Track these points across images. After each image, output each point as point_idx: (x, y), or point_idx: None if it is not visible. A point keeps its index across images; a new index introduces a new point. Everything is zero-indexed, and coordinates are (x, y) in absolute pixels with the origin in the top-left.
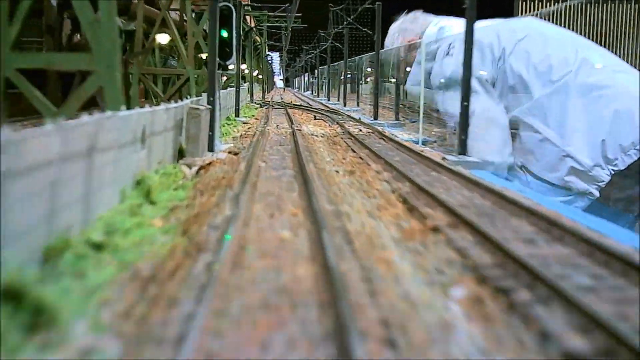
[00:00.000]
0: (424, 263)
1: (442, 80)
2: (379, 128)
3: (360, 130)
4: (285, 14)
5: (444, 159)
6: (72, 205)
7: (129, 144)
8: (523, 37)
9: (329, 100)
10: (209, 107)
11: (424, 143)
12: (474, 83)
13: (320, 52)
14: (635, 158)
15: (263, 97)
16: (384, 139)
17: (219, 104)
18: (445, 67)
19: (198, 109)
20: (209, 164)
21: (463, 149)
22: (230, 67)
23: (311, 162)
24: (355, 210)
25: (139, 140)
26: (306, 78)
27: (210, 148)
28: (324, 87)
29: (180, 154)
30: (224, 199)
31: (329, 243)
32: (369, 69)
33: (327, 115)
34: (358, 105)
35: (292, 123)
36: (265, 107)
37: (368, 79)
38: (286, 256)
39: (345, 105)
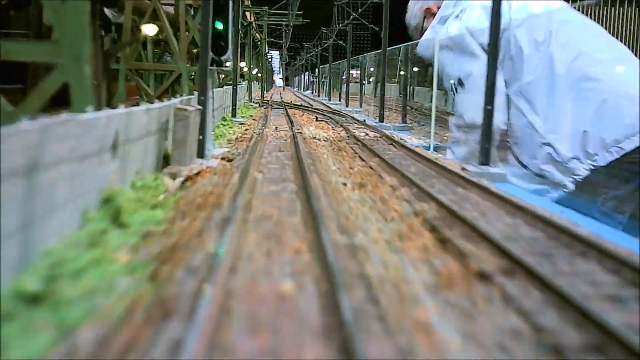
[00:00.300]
0: (477, 333)
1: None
2: (387, 132)
3: (367, 134)
4: (286, 12)
5: (463, 169)
6: (1, 242)
7: (93, 154)
8: (536, 14)
9: (330, 100)
10: (200, 107)
11: (436, 149)
12: (474, 47)
13: (322, 49)
14: (617, 156)
15: (262, 96)
16: (393, 145)
17: (213, 103)
18: (449, 29)
19: (186, 110)
20: (198, 173)
21: (485, 159)
22: (227, 63)
23: (315, 174)
24: (373, 241)
25: (108, 149)
26: (306, 77)
27: (201, 154)
28: (324, 86)
29: (165, 160)
30: (210, 225)
31: (347, 304)
32: (371, 69)
33: (330, 117)
34: (361, 106)
35: (292, 125)
36: (264, 106)
37: (371, 79)
38: (288, 330)
39: (347, 106)
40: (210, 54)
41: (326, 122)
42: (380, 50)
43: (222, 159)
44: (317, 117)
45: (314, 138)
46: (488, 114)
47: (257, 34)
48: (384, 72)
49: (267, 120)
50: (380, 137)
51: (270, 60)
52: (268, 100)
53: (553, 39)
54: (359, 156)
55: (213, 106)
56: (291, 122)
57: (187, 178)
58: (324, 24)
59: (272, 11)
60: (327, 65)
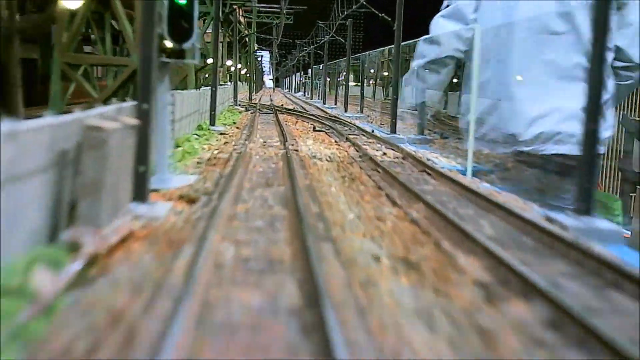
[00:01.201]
0: None
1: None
2: (409, 149)
3: (384, 153)
4: (277, 7)
5: (548, 219)
6: None
7: None
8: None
9: (324, 103)
10: (135, 122)
11: (475, 173)
12: None
13: (316, 47)
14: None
15: (250, 98)
16: (427, 172)
17: (166, 114)
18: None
19: (101, 130)
20: (121, 242)
21: (585, 203)
22: (193, 55)
23: (328, 241)
24: None
25: None
26: (297, 78)
27: (141, 195)
28: (318, 88)
29: (71, 218)
30: None
31: None
32: (371, 70)
33: (329, 125)
34: (362, 111)
35: (284, 137)
36: (251, 110)
37: (371, 81)
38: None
39: (346, 111)
40: (164, 38)
41: (326, 132)
42: (387, 47)
43: (180, 198)
44: (314, 126)
45: (314, 157)
46: (590, 135)
47: (245, 30)
48: (397, 71)
49: (253, 130)
50: (403, 158)
51: (260, 60)
52: (256, 104)
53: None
54: (386, 194)
55: (173, 116)
56: (283, 132)
57: (91, 259)
58: (317, 18)
59: (261, 6)
60: (321, 65)
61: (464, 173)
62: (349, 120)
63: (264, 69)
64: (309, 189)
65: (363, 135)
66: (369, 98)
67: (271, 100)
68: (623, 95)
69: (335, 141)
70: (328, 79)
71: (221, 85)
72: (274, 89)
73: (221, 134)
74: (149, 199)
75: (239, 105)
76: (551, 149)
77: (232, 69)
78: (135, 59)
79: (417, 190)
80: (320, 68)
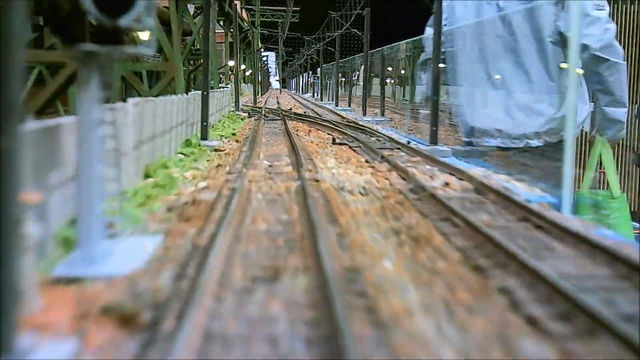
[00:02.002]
0: None
1: None
2: (474, 172)
3: (447, 183)
4: (283, 7)
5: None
6: None
7: None
8: None
9: (337, 105)
10: None
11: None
12: None
13: (326, 43)
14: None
15: (255, 101)
16: (531, 220)
17: (95, 144)
18: None
19: None
20: None
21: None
22: (142, 40)
23: None
24: None
25: None
26: (305, 78)
27: None
28: (328, 88)
29: None
30: None
31: None
32: (389, 68)
33: (351, 136)
34: (382, 114)
35: (297, 157)
36: (256, 116)
37: (388, 80)
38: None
39: (365, 114)
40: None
41: (350, 145)
42: (410, 40)
43: (103, 314)
44: (333, 138)
45: (343, 190)
46: None
47: (248, 26)
48: (436, 64)
49: (255, 145)
50: (477, 192)
51: (266, 61)
52: (261, 108)
53: None
54: (502, 289)
55: (141, 135)
56: (294, 148)
57: None
58: (325, 13)
59: (266, 8)
60: (332, 63)
61: (557, 207)
62: (370, 126)
63: (269, 70)
64: (347, 276)
65: (398, 148)
66: (387, 98)
67: (278, 103)
68: None
69: (367, 161)
70: (343, 78)
71: (221, 88)
72: (280, 90)
73: (215, 150)
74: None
75: (242, 110)
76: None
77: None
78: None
79: (562, 287)
80: (331, 66)
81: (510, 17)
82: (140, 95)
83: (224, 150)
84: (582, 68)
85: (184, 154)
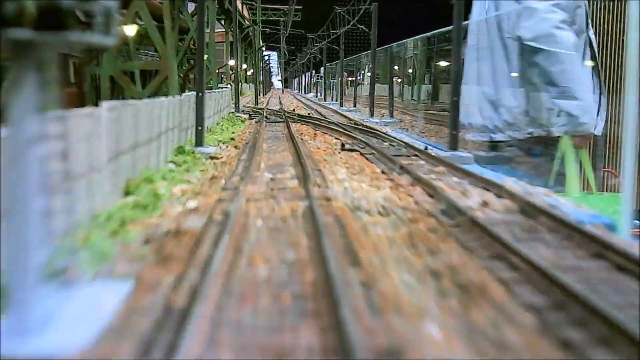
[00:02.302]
0: None
1: None
2: (512, 187)
3: (485, 202)
4: (285, 6)
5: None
6: None
7: None
8: None
9: (342, 106)
10: None
11: None
12: None
13: (330, 41)
14: None
15: (256, 102)
16: (628, 273)
17: (30, 169)
18: None
19: None
20: None
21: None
22: (103, 31)
23: None
24: None
25: None
26: (308, 78)
27: None
28: (332, 88)
29: None
30: None
31: None
32: (395, 67)
33: (362, 140)
34: (392, 115)
35: (302, 167)
36: (257, 118)
37: (395, 79)
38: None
39: (372, 116)
40: None
41: (362, 152)
42: (419, 36)
43: None
44: (342, 143)
45: (359, 210)
46: None
47: (248, 23)
48: (457, 63)
49: (255, 152)
50: (523, 213)
51: (267, 61)
52: (263, 109)
53: None
54: None
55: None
56: (300, 156)
57: None
58: (328, 11)
59: (268, 6)
60: (336, 62)
61: (612, 228)
62: (379, 129)
63: (271, 70)
64: None
65: (416, 155)
66: (394, 98)
67: (280, 103)
68: None
69: (383, 172)
70: (350, 78)
71: (220, 88)
72: (282, 90)
73: (211, 158)
74: None
75: (242, 111)
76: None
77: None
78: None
79: None
80: (335, 65)
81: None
82: (132, 97)
83: (220, 158)
84: (519, 59)
85: (175, 163)
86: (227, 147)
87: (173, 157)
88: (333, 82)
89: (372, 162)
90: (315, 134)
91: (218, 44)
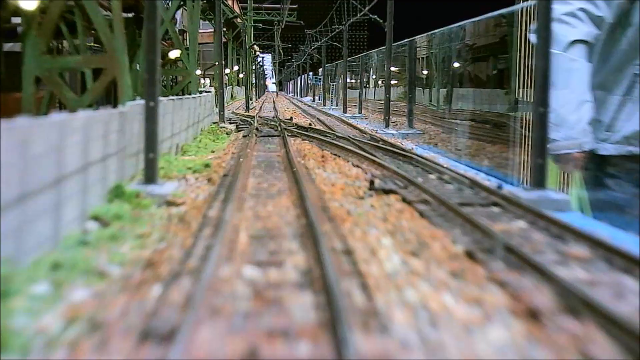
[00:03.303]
0: None
1: None
2: None
3: None
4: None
5: None
6: None
7: None
8: None
9: (345, 112)
10: None
11: None
12: None
13: (331, 38)
14: None
15: (247, 107)
16: None
17: None
18: None
19: None
20: None
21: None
22: None
23: None
24: None
25: None
26: (304, 80)
27: None
28: (332, 91)
29: None
30: None
31: None
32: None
33: (393, 170)
34: (411, 125)
35: (315, 239)
36: (245, 130)
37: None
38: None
39: (387, 126)
40: None
41: (407, 199)
42: (441, 30)
43: None
44: (371, 180)
45: None
46: None
47: (239, 19)
48: (545, 57)
49: (233, 198)
50: None
51: (261, 63)
52: (253, 117)
53: None
54: None
55: None
56: (305, 206)
57: None
58: (319, 21)
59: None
60: (337, 62)
61: None
62: (403, 145)
63: (265, 73)
64: None
65: (495, 204)
66: (393, 101)
67: (275, 109)
68: None
69: (470, 254)
70: (365, 79)
71: (202, 92)
72: (277, 94)
73: (167, 203)
74: None
75: (229, 120)
76: None
77: (228, 70)
78: None
79: None
80: (335, 66)
81: None
82: (67, 105)
83: (180, 204)
84: None
85: (100, 221)
86: (197, 179)
87: (101, 208)
88: (333, 85)
89: (433, 223)
90: (323, 156)
91: (205, 44)
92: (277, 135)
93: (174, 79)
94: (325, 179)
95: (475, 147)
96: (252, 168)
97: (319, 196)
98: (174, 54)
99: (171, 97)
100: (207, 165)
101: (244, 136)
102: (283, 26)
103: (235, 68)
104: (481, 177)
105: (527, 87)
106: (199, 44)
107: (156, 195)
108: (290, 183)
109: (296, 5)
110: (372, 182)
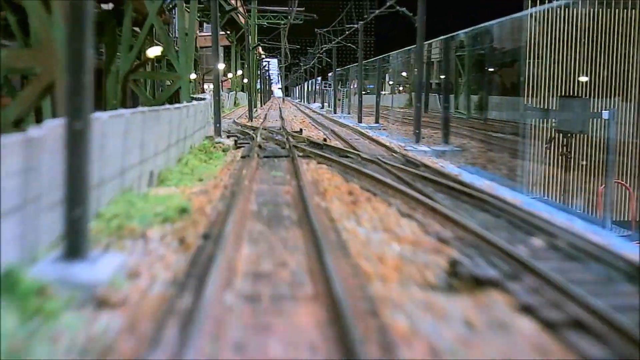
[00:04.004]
0: None
1: None
2: None
3: None
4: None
5: None
6: None
7: None
8: None
9: (360, 122)
10: None
11: None
12: None
13: (342, 39)
14: None
15: (250, 116)
16: None
17: None
18: None
19: None
20: None
21: None
22: None
23: None
24: None
25: None
26: (312, 85)
27: None
28: (344, 98)
29: None
30: None
31: None
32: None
33: (463, 226)
34: (447, 140)
35: None
36: (245, 149)
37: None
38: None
39: (419, 141)
40: None
41: (521, 300)
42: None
43: None
44: (452, 261)
45: None
46: None
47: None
48: None
49: (203, 294)
50: None
51: (267, 67)
52: (256, 130)
53: None
54: None
55: None
56: (343, 325)
57: None
58: (328, 21)
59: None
60: (350, 66)
61: None
62: (448, 171)
63: (271, 78)
64: None
65: None
66: (398, 108)
67: (281, 117)
68: None
69: None
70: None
71: (197, 100)
72: (283, 99)
73: (100, 303)
74: None
75: (227, 133)
76: None
77: (231, 75)
78: None
79: None
80: (347, 71)
81: None
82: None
83: (117, 305)
84: None
85: None
86: (163, 240)
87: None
88: (344, 91)
89: None
90: (351, 192)
91: (204, 48)
92: (285, 156)
93: (161, 85)
94: (365, 246)
95: (548, 174)
96: (248, 218)
97: (362, 291)
98: (153, 51)
99: (140, 109)
100: (184, 210)
101: (243, 157)
102: (289, 26)
103: (239, 72)
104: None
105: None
106: (202, 47)
107: (79, 286)
108: (308, 259)
109: (303, 8)
110: (454, 264)
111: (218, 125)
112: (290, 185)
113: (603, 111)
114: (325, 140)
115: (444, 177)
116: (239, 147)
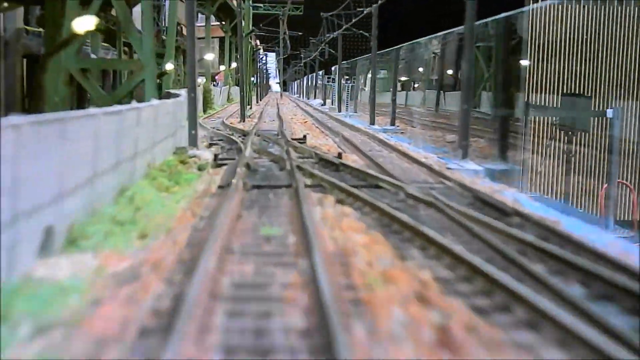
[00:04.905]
0: None
1: None
2: None
3: None
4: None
5: None
6: None
7: None
8: None
9: (372, 123)
10: None
11: None
12: None
13: (353, 24)
14: None
15: (242, 116)
16: None
17: None
18: None
19: None
20: None
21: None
22: None
23: None
24: None
25: None
26: (312, 80)
27: None
28: (349, 94)
29: None
30: None
31: None
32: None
33: None
34: (504, 157)
35: None
36: (230, 165)
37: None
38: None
39: (465, 157)
40: None
41: None
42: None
43: None
44: None
45: None
46: None
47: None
48: None
49: None
50: None
51: (264, 60)
52: (247, 134)
53: None
54: None
55: None
56: None
57: None
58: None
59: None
60: (361, 57)
61: None
62: (536, 217)
63: (269, 72)
64: None
65: None
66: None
67: (279, 116)
68: None
69: None
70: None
71: (172, 95)
72: (281, 95)
73: None
74: None
75: (210, 140)
76: None
77: (223, 67)
78: None
79: None
80: (353, 65)
81: None
82: None
83: None
84: None
85: None
86: None
87: None
88: (349, 86)
89: None
90: (421, 297)
91: (204, 40)
92: (285, 186)
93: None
94: None
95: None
96: None
97: None
98: (82, 23)
99: (16, 119)
100: None
101: (221, 187)
102: (287, 17)
103: (234, 65)
104: None
105: None
106: (198, 38)
107: None
108: None
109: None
110: None
111: (193, 132)
112: (296, 268)
113: None
114: (340, 156)
115: (569, 243)
116: (220, 165)
